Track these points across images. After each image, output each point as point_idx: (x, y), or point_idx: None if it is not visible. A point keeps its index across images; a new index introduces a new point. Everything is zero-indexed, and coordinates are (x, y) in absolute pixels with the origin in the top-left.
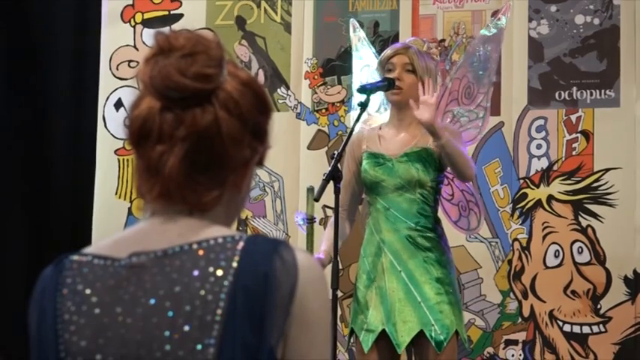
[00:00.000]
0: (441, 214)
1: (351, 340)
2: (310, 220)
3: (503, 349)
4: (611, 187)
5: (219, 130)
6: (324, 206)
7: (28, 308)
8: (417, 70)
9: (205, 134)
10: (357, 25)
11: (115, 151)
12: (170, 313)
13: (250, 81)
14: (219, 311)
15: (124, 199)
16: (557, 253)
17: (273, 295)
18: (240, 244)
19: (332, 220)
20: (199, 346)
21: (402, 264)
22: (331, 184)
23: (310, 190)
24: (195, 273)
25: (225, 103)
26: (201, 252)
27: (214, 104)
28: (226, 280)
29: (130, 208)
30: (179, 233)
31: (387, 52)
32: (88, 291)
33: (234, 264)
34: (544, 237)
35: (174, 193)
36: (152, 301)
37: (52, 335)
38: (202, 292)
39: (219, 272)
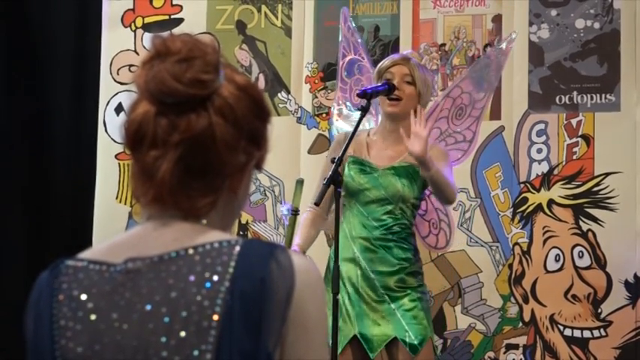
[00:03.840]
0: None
1: None
2: (294, 212)
3: (504, 353)
4: (611, 191)
5: (213, 136)
6: None
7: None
8: (417, 82)
9: (199, 140)
10: (349, 16)
11: (116, 156)
12: (166, 319)
13: (247, 86)
14: (215, 317)
15: (125, 204)
16: (557, 258)
17: (270, 299)
18: (236, 249)
19: (305, 215)
20: (196, 352)
21: (376, 271)
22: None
23: (299, 182)
24: (192, 278)
25: (220, 109)
26: (197, 257)
27: (209, 110)
28: (222, 286)
29: (130, 213)
30: (174, 238)
31: (386, 62)
32: (83, 297)
33: (231, 269)
34: (545, 241)
35: (167, 198)
36: (148, 307)
37: (49, 341)
38: (199, 298)
39: (216, 277)
